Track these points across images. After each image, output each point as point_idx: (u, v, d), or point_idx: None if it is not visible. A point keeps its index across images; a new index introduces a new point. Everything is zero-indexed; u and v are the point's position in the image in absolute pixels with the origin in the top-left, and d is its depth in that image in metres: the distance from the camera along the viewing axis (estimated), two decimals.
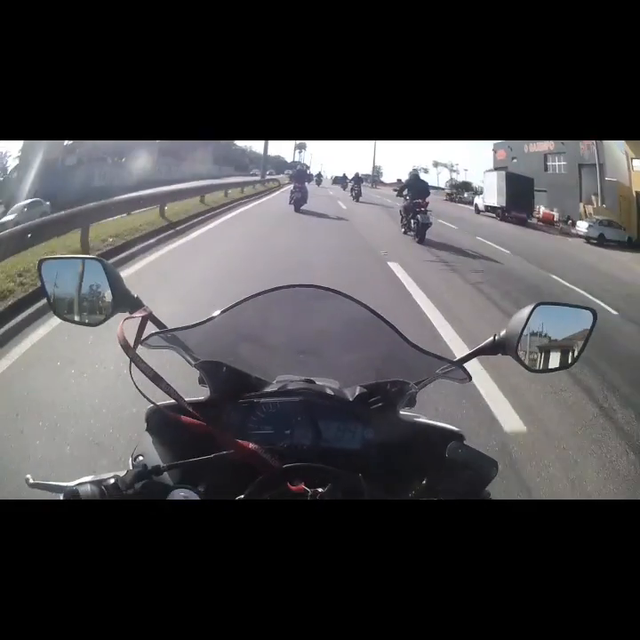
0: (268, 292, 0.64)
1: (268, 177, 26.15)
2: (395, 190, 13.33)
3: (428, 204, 9.81)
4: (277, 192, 19.38)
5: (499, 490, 0.72)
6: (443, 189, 43.28)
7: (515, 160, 29.88)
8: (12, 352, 3.10)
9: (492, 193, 24.22)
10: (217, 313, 0.66)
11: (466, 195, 36.86)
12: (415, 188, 10.07)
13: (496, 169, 28.76)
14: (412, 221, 9.85)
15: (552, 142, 26.47)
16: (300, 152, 59.67)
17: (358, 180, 18.89)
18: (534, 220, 24.25)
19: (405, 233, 10.24)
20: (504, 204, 22.81)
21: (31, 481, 0.66)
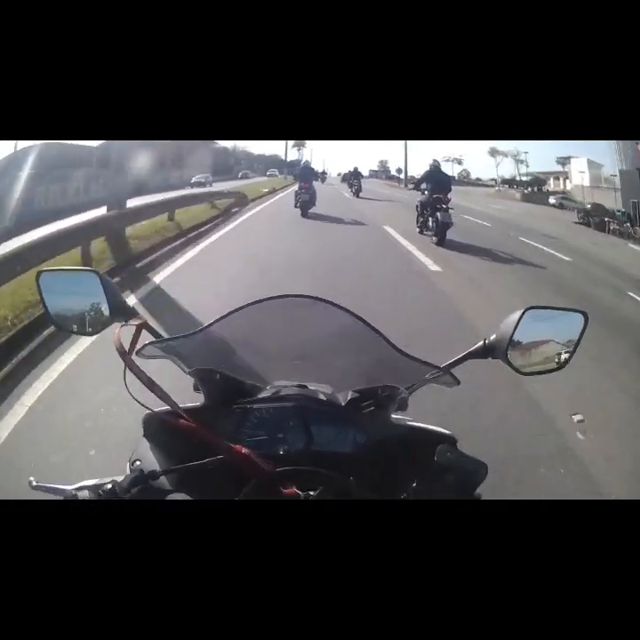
0: (261, 302, 0.66)
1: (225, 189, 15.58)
2: (412, 184, 12.12)
3: (449, 200, 8.44)
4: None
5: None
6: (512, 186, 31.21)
7: None
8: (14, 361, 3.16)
9: None
10: (211, 322, 0.68)
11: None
12: (435, 181, 8.71)
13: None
14: (430, 219, 8.53)
15: None
16: (298, 149, 56.19)
17: (357, 174, 18.03)
18: None
19: (421, 232, 8.89)
20: None
21: (34, 483, 0.69)
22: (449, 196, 8.54)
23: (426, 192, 8.83)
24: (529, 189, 27.93)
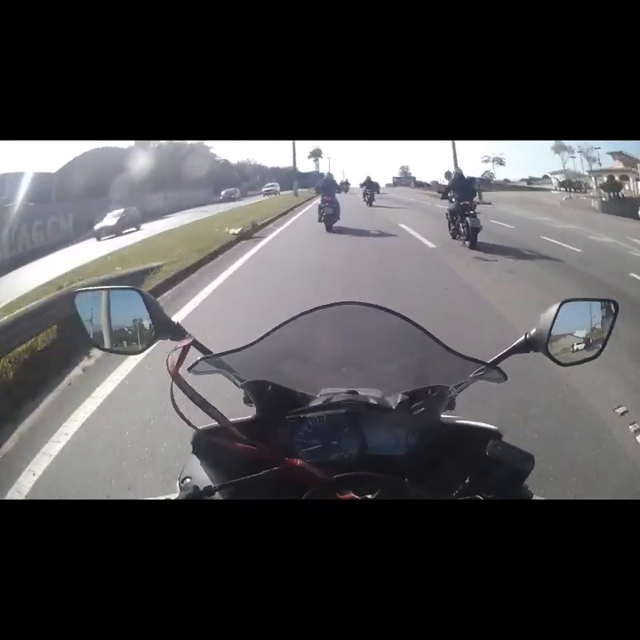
0: (307, 313, 0.67)
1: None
2: (439, 192, 12.02)
3: (476, 205, 8.97)
4: None
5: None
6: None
7: None
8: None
9: None
10: (262, 336, 0.69)
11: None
12: (460, 189, 9.15)
13: None
14: (460, 225, 8.95)
15: None
16: (315, 160, 49.67)
17: (371, 184, 17.66)
18: None
19: (454, 237, 9.26)
20: None
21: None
22: (475, 199, 9.06)
23: (453, 200, 9.18)
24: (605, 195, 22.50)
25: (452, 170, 9.91)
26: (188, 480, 0.75)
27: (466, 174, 9.55)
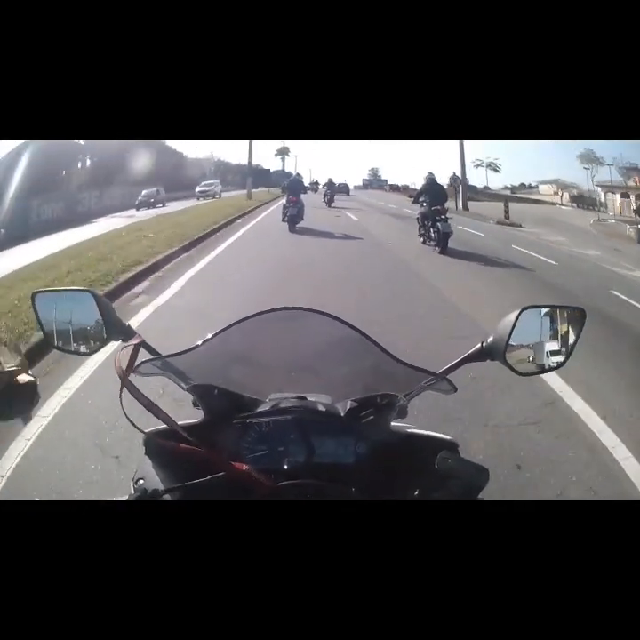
0: (256, 315, 0.66)
1: None
2: (410, 196, 11.83)
3: (447, 210, 9.03)
4: None
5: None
6: None
7: None
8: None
9: None
10: (207, 337, 0.68)
11: None
12: (432, 194, 9.22)
13: None
14: (431, 230, 9.04)
15: None
16: (282, 158, 47.85)
17: (331, 185, 18.86)
18: None
19: (424, 243, 9.37)
20: None
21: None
22: (446, 205, 9.07)
23: (425, 204, 9.25)
24: None
25: (458, 173, 10.08)
26: (141, 481, 0.75)
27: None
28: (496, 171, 40.48)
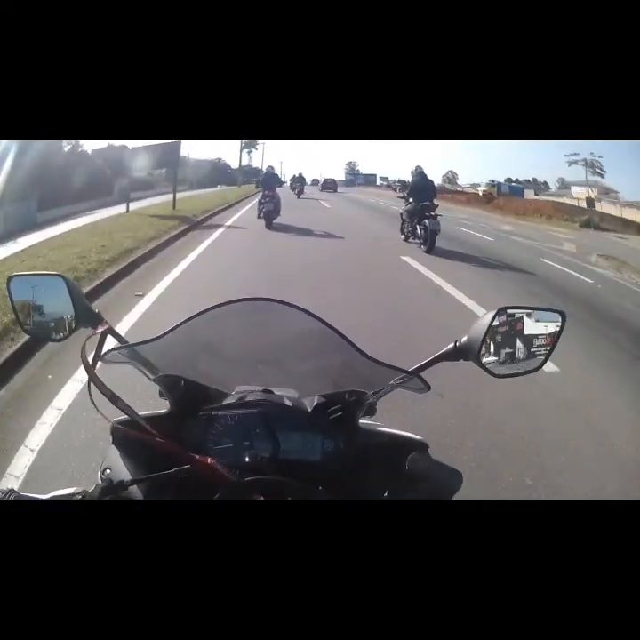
0: (223, 305, 0.65)
1: None
2: (394, 190, 11.79)
3: (436, 206, 8.53)
4: None
5: None
6: None
7: None
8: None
9: None
10: (173, 326, 0.67)
11: None
12: (421, 189, 8.74)
13: None
14: (418, 227, 8.51)
15: None
16: (249, 152, 44.48)
17: (300, 179, 21.65)
18: None
19: (407, 240, 8.98)
20: None
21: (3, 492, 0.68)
22: (435, 201, 8.56)
23: (411, 200, 8.83)
24: None
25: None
26: (108, 471, 0.74)
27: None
28: (601, 173, 32.42)
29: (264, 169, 12.24)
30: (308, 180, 26.46)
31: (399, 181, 24.38)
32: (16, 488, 0.66)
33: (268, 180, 10.71)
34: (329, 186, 31.11)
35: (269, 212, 10.05)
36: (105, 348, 0.71)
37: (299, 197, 19.88)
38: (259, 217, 10.41)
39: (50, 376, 3.00)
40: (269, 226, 9.99)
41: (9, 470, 2.13)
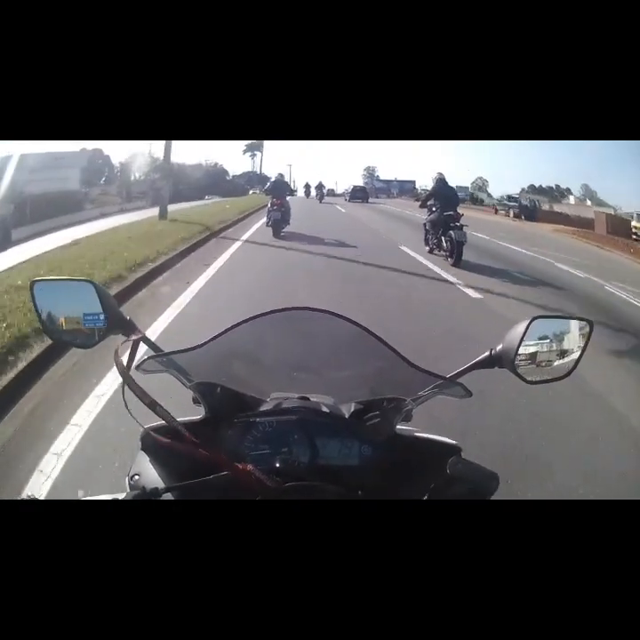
0: (262, 315, 0.65)
1: None
2: (416, 200, 10.52)
3: (461, 215, 7.81)
4: None
5: None
6: None
7: None
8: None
9: None
10: (212, 337, 0.66)
11: None
12: (443, 197, 8.04)
13: None
14: (443, 239, 7.87)
15: None
16: (251, 156, 42.03)
17: (321, 187, 24.49)
18: None
19: (431, 252, 8.29)
20: None
21: (30, 497, 0.67)
22: (459, 210, 7.99)
23: (434, 209, 8.21)
24: None
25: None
26: (136, 477, 0.73)
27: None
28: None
29: (272, 177, 11.67)
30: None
31: (422, 190, 22.78)
32: (45, 492, 0.65)
33: (277, 188, 10.21)
34: (358, 195, 28.07)
35: (277, 222, 9.69)
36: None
37: (320, 202, 22.95)
38: (267, 225, 10.05)
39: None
40: (277, 235, 9.60)
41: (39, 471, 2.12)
